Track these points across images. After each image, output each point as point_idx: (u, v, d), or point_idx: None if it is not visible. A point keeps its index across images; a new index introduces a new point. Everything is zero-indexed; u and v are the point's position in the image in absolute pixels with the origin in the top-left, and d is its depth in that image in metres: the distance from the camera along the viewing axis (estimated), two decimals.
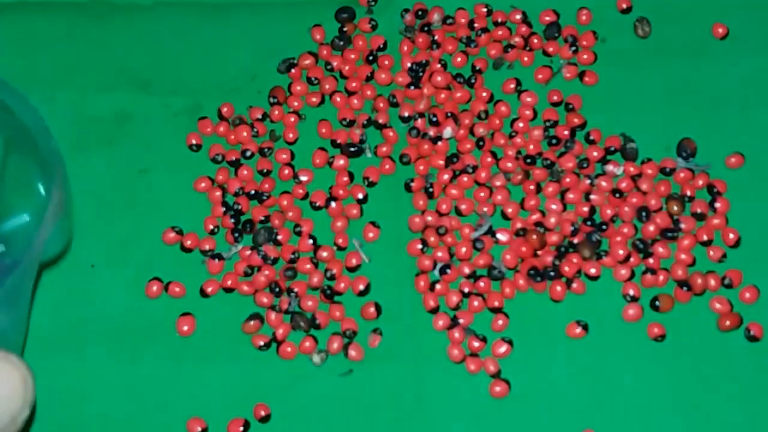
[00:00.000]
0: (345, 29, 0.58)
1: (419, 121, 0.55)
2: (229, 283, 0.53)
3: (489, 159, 0.55)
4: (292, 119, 0.56)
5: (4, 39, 0.58)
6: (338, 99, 0.56)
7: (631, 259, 0.53)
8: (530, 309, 0.52)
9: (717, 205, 0.53)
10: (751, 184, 0.54)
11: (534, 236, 0.52)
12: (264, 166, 0.55)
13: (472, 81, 0.56)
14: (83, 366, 0.52)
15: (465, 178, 0.54)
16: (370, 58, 0.57)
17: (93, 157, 0.55)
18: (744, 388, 0.51)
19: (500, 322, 0.52)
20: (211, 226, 0.54)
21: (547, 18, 0.57)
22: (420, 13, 0.57)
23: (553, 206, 0.54)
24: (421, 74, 0.56)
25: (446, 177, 0.54)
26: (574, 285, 0.52)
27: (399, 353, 0.51)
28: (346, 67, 0.57)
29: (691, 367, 0.51)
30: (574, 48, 0.57)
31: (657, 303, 0.52)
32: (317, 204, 0.54)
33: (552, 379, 0.51)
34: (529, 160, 0.55)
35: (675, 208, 0.53)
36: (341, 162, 0.55)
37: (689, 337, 0.51)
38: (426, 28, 0.57)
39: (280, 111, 0.56)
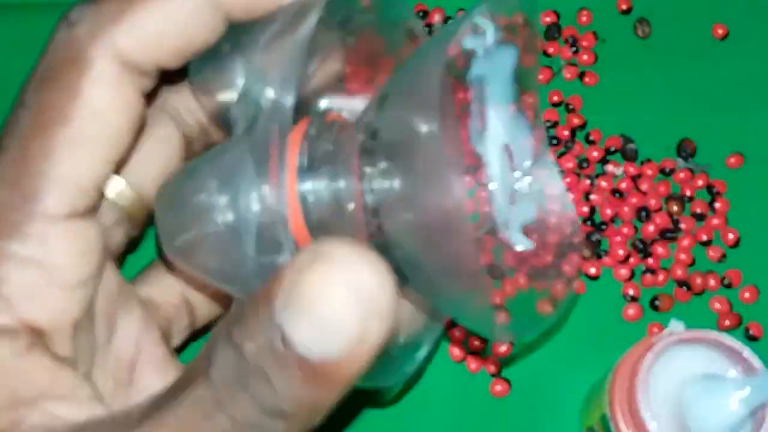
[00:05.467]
0: None
1: None
2: None
3: None
4: None
5: (5, 39, 0.58)
6: None
7: (631, 259, 0.53)
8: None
9: (716, 205, 0.54)
10: (750, 184, 0.54)
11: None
12: None
13: None
14: None
15: (466, 179, 0.54)
16: None
17: None
18: None
19: (501, 320, 0.52)
20: None
21: (548, 19, 0.57)
22: (421, 14, 0.57)
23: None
24: None
25: None
26: (574, 284, 0.52)
27: None
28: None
29: None
30: (574, 48, 0.57)
31: (657, 303, 0.52)
32: None
33: (552, 379, 0.51)
34: None
35: (675, 208, 0.53)
36: None
37: None
38: (427, 30, 0.57)
39: None
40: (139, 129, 0.35)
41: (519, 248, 0.45)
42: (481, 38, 0.38)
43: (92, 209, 0.34)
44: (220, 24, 0.34)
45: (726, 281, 0.52)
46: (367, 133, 0.34)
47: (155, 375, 0.37)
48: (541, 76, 0.56)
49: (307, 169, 0.35)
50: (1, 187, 0.32)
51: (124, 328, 0.36)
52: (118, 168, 0.36)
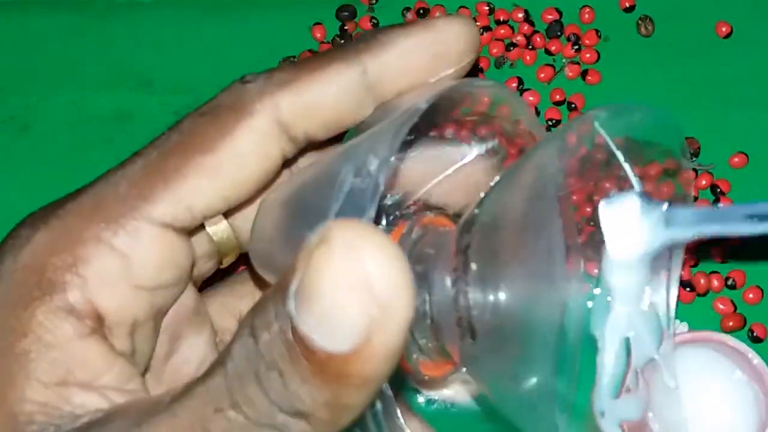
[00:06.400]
0: (346, 27, 0.57)
1: None
2: None
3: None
4: None
5: (3, 37, 0.58)
6: None
7: None
8: None
9: (720, 205, 0.53)
10: (754, 184, 0.54)
11: None
12: None
13: None
14: None
15: None
16: None
17: (93, 156, 0.55)
18: None
19: None
20: None
21: (550, 16, 0.57)
22: (421, 11, 0.57)
23: None
24: None
25: None
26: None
27: None
28: None
29: None
30: (576, 47, 0.56)
31: None
32: None
33: None
34: None
35: None
36: None
37: None
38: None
39: None
40: (266, 186, 0.37)
41: None
42: (627, 203, 0.37)
43: (188, 231, 0.36)
44: (370, 106, 0.37)
45: (730, 282, 0.52)
46: (463, 238, 0.35)
47: None
48: (542, 75, 0.56)
49: None
50: (124, 181, 0.35)
51: (191, 348, 0.38)
52: (231, 213, 0.38)
